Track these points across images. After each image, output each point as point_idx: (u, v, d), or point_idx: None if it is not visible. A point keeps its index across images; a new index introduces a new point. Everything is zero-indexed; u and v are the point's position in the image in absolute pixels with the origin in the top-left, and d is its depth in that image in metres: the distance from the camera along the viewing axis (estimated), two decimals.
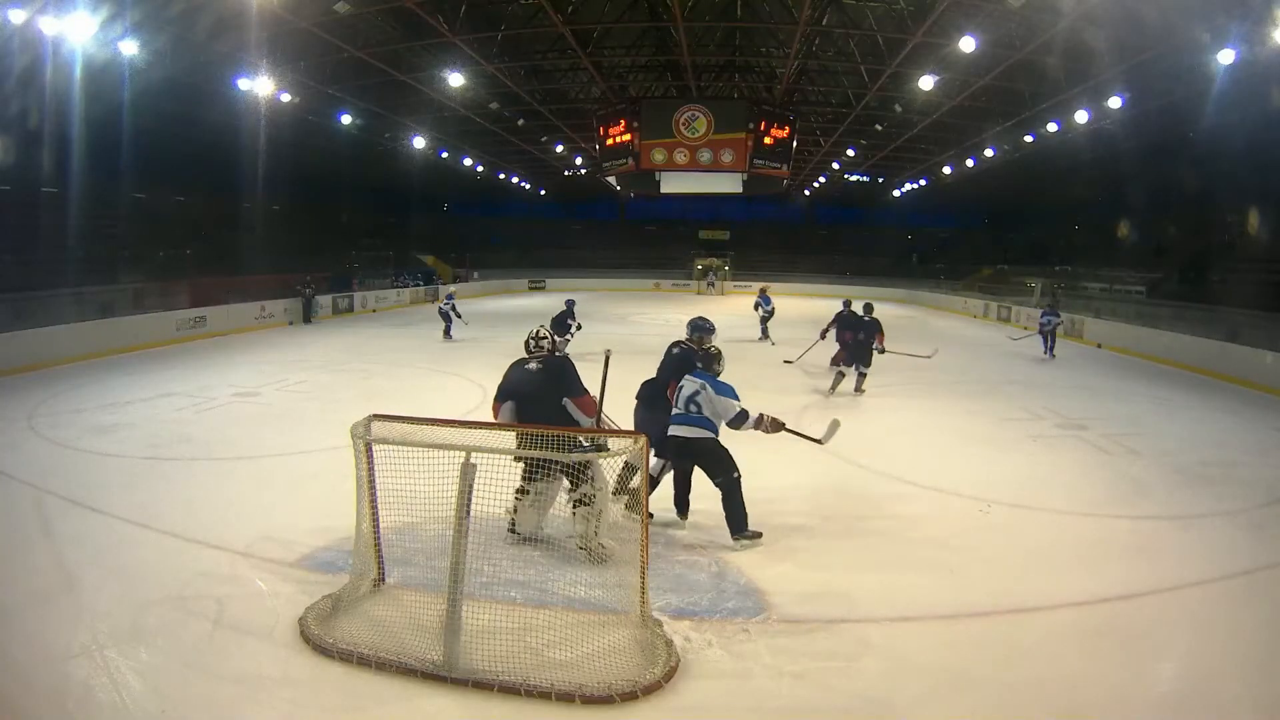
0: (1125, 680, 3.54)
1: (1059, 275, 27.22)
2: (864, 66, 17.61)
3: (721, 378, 5.15)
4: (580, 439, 4.25)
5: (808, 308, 22.94)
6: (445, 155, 28.35)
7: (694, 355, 5.43)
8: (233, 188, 23.50)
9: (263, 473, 6.58)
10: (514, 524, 4.73)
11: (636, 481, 5.29)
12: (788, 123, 15.97)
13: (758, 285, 22.19)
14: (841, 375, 10.71)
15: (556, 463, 4.02)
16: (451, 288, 20.59)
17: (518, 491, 4.56)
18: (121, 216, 19.83)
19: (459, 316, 16.58)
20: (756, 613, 4.07)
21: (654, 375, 5.68)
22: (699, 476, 5.11)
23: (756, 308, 17.67)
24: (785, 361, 13.09)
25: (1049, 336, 15.00)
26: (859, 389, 10.54)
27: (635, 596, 3.75)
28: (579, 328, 12.91)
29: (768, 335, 16.80)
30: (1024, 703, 3.36)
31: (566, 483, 4.62)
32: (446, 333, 16.38)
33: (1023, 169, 27.20)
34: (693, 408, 4.94)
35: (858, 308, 11.47)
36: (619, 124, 16.14)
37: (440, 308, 16.79)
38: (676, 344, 5.75)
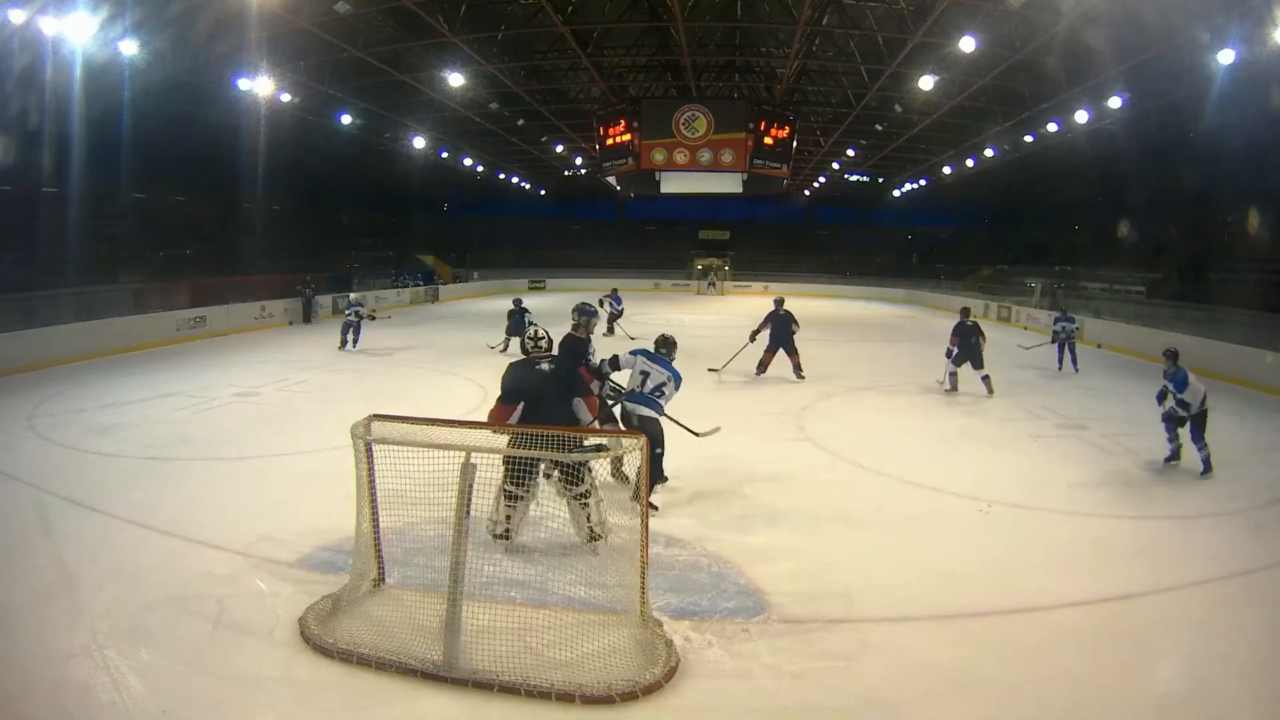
0: (1125, 680, 3.54)
1: (1059, 275, 27.20)
2: (864, 66, 17.63)
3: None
4: (582, 439, 4.25)
5: (812, 308, 22.82)
6: (445, 155, 28.33)
7: (581, 345, 6.13)
8: (233, 188, 23.49)
9: (263, 473, 6.58)
10: (508, 532, 4.61)
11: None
12: (788, 123, 15.95)
13: (741, 285, 21.89)
14: (955, 375, 10.95)
15: (547, 462, 4.01)
16: (354, 295, 18.72)
17: (509, 498, 4.49)
18: (121, 216, 19.82)
19: (373, 318, 15.68)
20: (756, 613, 4.07)
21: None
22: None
23: (602, 304, 16.68)
24: (710, 369, 11.83)
25: (1064, 346, 13.09)
26: (990, 391, 10.61)
27: (635, 596, 3.75)
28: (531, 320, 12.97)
29: (613, 333, 16.92)
30: (1024, 703, 3.36)
31: (558, 474, 4.61)
32: (352, 342, 14.39)
33: (1023, 169, 27.21)
34: (655, 394, 5.76)
35: (957, 314, 11.57)
36: (619, 124, 16.12)
37: (347, 318, 14.74)
38: (568, 335, 6.29)
